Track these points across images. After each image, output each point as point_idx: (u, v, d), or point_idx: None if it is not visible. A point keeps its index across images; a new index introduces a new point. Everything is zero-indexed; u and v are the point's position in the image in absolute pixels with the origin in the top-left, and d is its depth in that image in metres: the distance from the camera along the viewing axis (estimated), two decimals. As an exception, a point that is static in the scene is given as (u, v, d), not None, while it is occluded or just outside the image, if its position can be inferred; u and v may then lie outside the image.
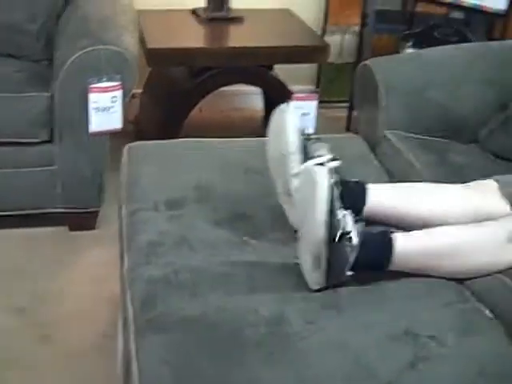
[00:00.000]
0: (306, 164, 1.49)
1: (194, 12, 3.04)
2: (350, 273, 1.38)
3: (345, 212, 1.38)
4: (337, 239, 1.34)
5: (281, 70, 2.93)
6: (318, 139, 1.55)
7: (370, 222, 1.49)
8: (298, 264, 1.43)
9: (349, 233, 1.36)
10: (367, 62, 2.19)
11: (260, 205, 1.64)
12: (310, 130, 2.36)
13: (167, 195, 1.68)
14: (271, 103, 3.08)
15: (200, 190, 1.70)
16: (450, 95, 2.11)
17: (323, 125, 2.57)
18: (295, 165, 1.52)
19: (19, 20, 2.54)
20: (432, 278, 1.45)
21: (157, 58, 2.72)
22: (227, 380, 1.18)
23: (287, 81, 2.88)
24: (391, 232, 1.44)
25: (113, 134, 2.32)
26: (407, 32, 3.05)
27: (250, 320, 1.29)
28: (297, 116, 1.57)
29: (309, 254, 1.39)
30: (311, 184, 1.38)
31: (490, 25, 3.07)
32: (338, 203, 1.37)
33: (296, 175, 1.51)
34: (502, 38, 2.80)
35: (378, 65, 2.15)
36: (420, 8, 3.11)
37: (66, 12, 2.59)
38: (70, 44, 2.29)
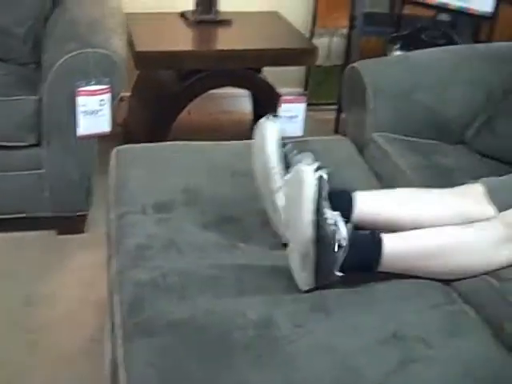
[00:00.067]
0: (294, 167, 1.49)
1: (182, 15, 3.04)
2: (339, 273, 1.38)
3: (333, 212, 1.38)
4: (328, 240, 1.34)
5: (269, 73, 2.93)
6: (301, 151, 1.54)
7: (358, 228, 1.49)
8: (286, 267, 1.43)
9: (337, 232, 1.36)
10: (355, 64, 2.20)
11: (248, 208, 1.64)
12: (298, 133, 2.36)
13: (155, 198, 1.68)
14: (260, 106, 3.11)
15: (188, 193, 1.70)
16: (438, 97, 2.13)
17: (312, 127, 2.57)
18: (277, 178, 1.53)
19: (6, 23, 2.54)
20: (419, 279, 1.46)
21: (145, 61, 2.72)
22: (215, 383, 1.18)
23: (275, 83, 2.89)
24: (380, 233, 1.45)
25: (101, 138, 2.32)
26: (395, 34, 3.06)
27: (239, 323, 1.30)
28: (277, 130, 1.57)
29: (297, 253, 1.39)
30: (298, 183, 1.38)
31: (476, 27, 3.08)
32: (325, 203, 1.37)
33: (279, 189, 1.52)
34: (489, 40, 2.81)
35: (365, 67, 2.16)
36: (407, 10, 3.12)
37: (53, 15, 2.59)
38: (57, 47, 2.28)
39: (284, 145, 1.56)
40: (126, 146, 1.97)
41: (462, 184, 1.64)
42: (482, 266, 1.47)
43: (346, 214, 1.47)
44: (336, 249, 1.36)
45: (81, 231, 2.47)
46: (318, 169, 1.40)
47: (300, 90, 3.42)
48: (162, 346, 1.25)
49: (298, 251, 1.38)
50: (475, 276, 1.47)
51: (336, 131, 3.31)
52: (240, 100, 3.38)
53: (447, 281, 1.48)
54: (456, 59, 2.22)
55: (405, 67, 2.20)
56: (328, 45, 3.47)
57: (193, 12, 3.00)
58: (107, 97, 2.23)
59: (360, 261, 1.41)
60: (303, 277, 1.39)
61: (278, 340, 1.26)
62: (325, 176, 1.40)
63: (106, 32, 2.36)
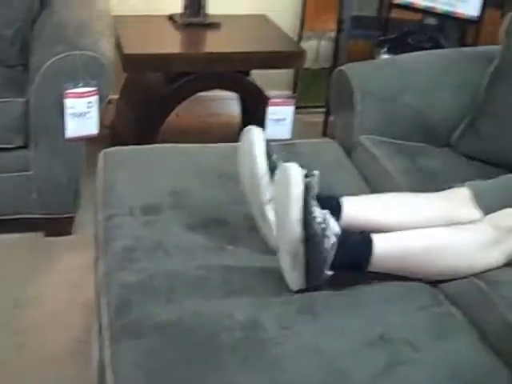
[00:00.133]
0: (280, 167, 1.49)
1: (170, 18, 3.04)
2: (329, 272, 1.38)
3: (322, 210, 1.38)
4: (317, 239, 1.34)
5: (257, 76, 2.94)
6: (288, 160, 1.53)
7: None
8: (274, 268, 1.44)
9: (326, 230, 1.36)
10: (343, 67, 2.20)
11: (235, 210, 1.64)
12: (287, 136, 2.37)
13: (143, 200, 1.68)
14: (248, 109, 3.11)
15: (175, 196, 1.70)
16: (425, 101, 2.13)
17: (300, 130, 2.58)
18: (266, 189, 1.52)
19: (-6, 25, 2.53)
20: (407, 280, 1.46)
21: (133, 64, 2.71)
22: (202, 385, 1.18)
23: (264, 86, 2.89)
24: (370, 233, 1.45)
25: (89, 140, 2.31)
26: (382, 38, 3.08)
27: (226, 324, 1.30)
28: (263, 140, 1.57)
29: (286, 253, 1.39)
30: (285, 182, 1.38)
31: (462, 31, 3.10)
32: (313, 201, 1.37)
33: (268, 202, 1.52)
34: (475, 43, 2.83)
35: (353, 70, 2.16)
36: (395, 14, 3.13)
37: (41, 17, 2.58)
38: (45, 49, 2.28)
39: (270, 155, 1.56)
40: (113, 148, 1.97)
41: (449, 187, 1.65)
42: (470, 268, 1.47)
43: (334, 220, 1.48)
44: (326, 247, 1.36)
45: (68, 233, 2.46)
46: (306, 176, 1.41)
47: (288, 92, 3.43)
48: (149, 347, 1.25)
49: (287, 251, 1.39)
50: (463, 278, 1.47)
51: (324, 134, 3.32)
52: (228, 103, 3.39)
53: (436, 282, 1.49)
54: (444, 62, 2.23)
55: (392, 70, 2.21)
56: (316, 48, 3.48)
57: (181, 15, 3.00)
58: (95, 99, 2.23)
59: (350, 259, 1.41)
60: (294, 277, 1.39)
61: (265, 342, 1.27)
62: (314, 179, 1.40)
63: (93, 34, 2.36)
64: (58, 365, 1.90)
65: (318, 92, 3.37)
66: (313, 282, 1.39)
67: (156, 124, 2.80)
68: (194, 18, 2.99)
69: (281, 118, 2.41)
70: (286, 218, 1.37)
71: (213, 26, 3.01)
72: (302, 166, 1.42)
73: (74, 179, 2.37)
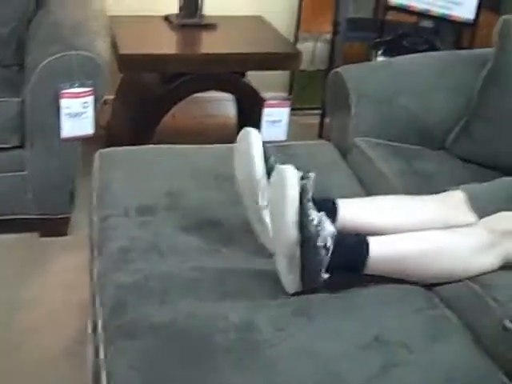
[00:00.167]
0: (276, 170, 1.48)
1: (166, 18, 3.04)
2: (326, 275, 1.38)
3: (318, 213, 1.38)
4: (313, 241, 1.34)
5: (253, 77, 2.94)
6: (284, 163, 1.53)
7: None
8: (269, 271, 1.44)
9: (322, 232, 1.35)
10: (338, 69, 2.20)
11: (231, 212, 1.64)
12: (282, 138, 2.37)
13: (138, 201, 1.68)
14: (244, 110, 3.11)
15: (171, 197, 1.70)
16: (420, 103, 2.14)
17: (295, 132, 2.58)
18: (264, 194, 1.52)
19: (-11, 25, 2.53)
20: (403, 283, 1.47)
21: (129, 64, 2.71)
22: (197, 386, 1.18)
23: (260, 88, 2.89)
24: (366, 235, 1.45)
25: (84, 140, 2.31)
26: (378, 40, 3.08)
27: (220, 326, 1.30)
28: (261, 142, 1.56)
29: (282, 256, 1.39)
30: (281, 185, 1.38)
31: (458, 34, 3.11)
32: (309, 204, 1.37)
33: (266, 207, 1.52)
34: (470, 46, 2.84)
35: (349, 72, 2.16)
36: (390, 16, 3.14)
37: (37, 17, 2.58)
38: (41, 49, 2.28)
39: (268, 158, 1.56)
40: (109, 148, 1.97)
41: (444, 190, 1.65)
42: (465, 271, 1.48)
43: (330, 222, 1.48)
44: (322, 249, 1.36)
45: (64, 233, 2.46)
46: (302, 178, 1.40)
47: (284, 94, 3.43)
48: (143, 348, 1.25)
49: (283, 254, 1.39)
50: (458, 281, 1.48)
51: (320, 136, 3.32)
52: (224, 104, 3.39)
53: (431, 285, 1.49)
54: (439, 65, 2.24)
55: (388, 73, 2.21)
56: (312, 49, 3.48)
57: (177, 15, 3.00)
58: (91, 99, 2.23)
59: (346, 262, 1.41)
60: (290, 280, 1.39)
61: (260, 344, 1.27)
62: (310, 181, 1.40)
63: (89, 34, 2.36)
64: (54, 365, 1.90)
65: (314, 94, 3.37)
66: (309, 285, 1.39)
67: (152, 125, 2.80)
68: (190, 19, 2.99)
69: (276, 119, 2.42)
70: (281, 221, 1.37)
71: (209, 26, 3.01)
72: (297, 168, 1.42)
73: (70, 179, 2.37)
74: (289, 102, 2.46)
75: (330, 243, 1.36)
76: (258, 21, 3.19)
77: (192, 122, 3.37)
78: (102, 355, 1.27)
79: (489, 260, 1.48)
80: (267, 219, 1.50)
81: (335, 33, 3.26)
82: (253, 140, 1.55)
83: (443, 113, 2.14)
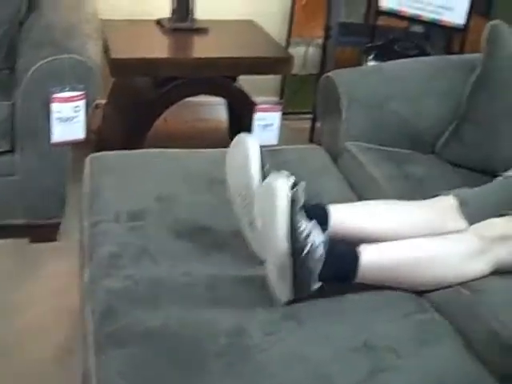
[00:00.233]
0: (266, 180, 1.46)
1: (158, 22, 3.04)
2: (317, 284, 1.38)
3: (309, 222, 1.37)
4: (304, 252, 1.34)
5: (245, 81, 2.94)
6: (278, 170, 1.52)
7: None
8: (259, 276, 1.43)
9: (313, 243, 1.35)
10: (330, 74, 2.21)
11: (222, 217, 1.63)
12: (273, 142, 2.37)
13: (129, 206, 1.67)
14: (235, 114, 3.11)
15: (162, 201, 1.70)
16: (411, 108, 2.14)
17: (287, 136, 2.59)
18: (257, 202, 1.50)
19: (-20, 27, 2.52)
20: (393, 290, 1.46)
21: (121, 68, 2.71)
22: (187, 392, 1.18)
23: (251, 92, 2.89)
24: (357, 244, 1.45)
25: (75, 145, 2.30)
26: (369, 45, 3.09)
27: (211, 331, 1.30)
28: (258, 152, 1.53)
29: (273, 265, 1.39)
30: (270, 196, 1.37)
31: (448, 39, 3.12)
32: (300, 214, 1.37)
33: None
34: (461, 51, 2.85)
35: (340, 77, 2.17)
36: (382, 21, 3.14)
37: (29, 19, 2.56)
38: (32, 52, 2.27)
39: (263, 165, 1.54)
40: (100, 153, 1.96)
41: (435, 195, 1.65)
42: (456, 278, 1.48)
43: (321, 228, 1.47)
44: (312, 260, 1.35)
45: (54, 239, 2.45)
46: (294, 185, 1.40)
47: (275, 98, 3.43)
48: (134, 355, 1.24)
49: (274, 264, 1.38)
50: (448, 287, 1.48)
51: (311, 140, 3.33)
52: (216, 108, 3.39)
53: (422, 292, 1.49)
54: (430, 70, 2.24)
55: (379, 77, 2.22)
56: (304, 54, 3.48)
57: (169, 19, 3.00)
58: (82, 103, 2.22)
59: (337, 271, 1.40)
60: (281, 288, 1.39)
61: (250, 348, 1.27)
62: (300, 191, 1.39)
63: (81, 38, 2.35)
64: (43, 372, 1.88)
65: (305, 98, 3.37)
66: (300, 294, 1.39)
67: (143, 129, 2.80)
68: (182, 23, 2.99)
69: (268, 123, 2.42)
70: (271, 232, 1.36)
71: (200, 31, 3.01)
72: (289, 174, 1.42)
73: (61, 184, 2.36)
74: (280, 106, 2.46)
75: (321, 253, 1.36)
76: (249, 25, 3.20)
77: (184, 126, 3.37)
78: (91, 362, 1.26)
79: (479, 266, 1.48)
80: (259, 227, 1.49)
81: (327, 37, 3.27)
82: (251, 152, 1.52)
83: (434, 117, 2.14)
